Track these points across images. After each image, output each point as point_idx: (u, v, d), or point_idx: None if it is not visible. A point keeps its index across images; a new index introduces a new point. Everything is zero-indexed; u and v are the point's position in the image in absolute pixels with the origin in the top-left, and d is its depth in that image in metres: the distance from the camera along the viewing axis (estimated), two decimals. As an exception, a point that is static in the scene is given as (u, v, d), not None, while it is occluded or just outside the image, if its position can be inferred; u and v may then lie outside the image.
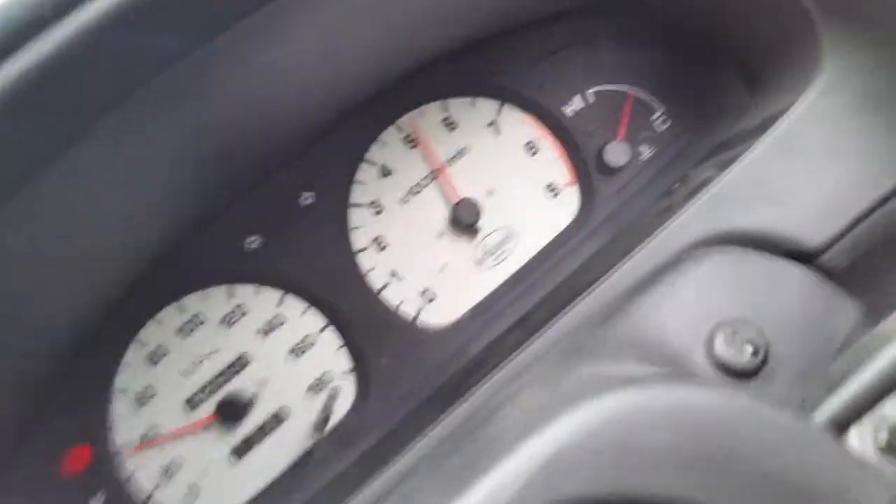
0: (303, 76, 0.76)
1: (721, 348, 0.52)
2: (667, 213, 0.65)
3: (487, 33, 0.89)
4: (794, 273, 0.57)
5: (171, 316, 0.85)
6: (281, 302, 0.85)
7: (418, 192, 0.89)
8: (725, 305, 0.55)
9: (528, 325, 0.67)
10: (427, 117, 0.90)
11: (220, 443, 0.83)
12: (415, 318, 0.86)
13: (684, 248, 0.61)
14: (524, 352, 0.59)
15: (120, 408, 0.83)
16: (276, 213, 0.87)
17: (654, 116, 0.92)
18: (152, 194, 0.75)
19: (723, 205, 0.62)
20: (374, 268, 0.87)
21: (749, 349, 0.52)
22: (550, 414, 0.38)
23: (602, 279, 0.61)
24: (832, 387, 0.39)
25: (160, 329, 0.84)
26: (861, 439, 0.43)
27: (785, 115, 0.63)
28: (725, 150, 0.73)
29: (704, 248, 0.60)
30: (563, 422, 0.37)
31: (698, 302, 0.56)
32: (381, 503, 0.51)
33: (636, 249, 0.62)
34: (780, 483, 0.35)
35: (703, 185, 0.64)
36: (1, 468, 0.80)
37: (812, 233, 0.59)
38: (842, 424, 0.38)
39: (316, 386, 0.84)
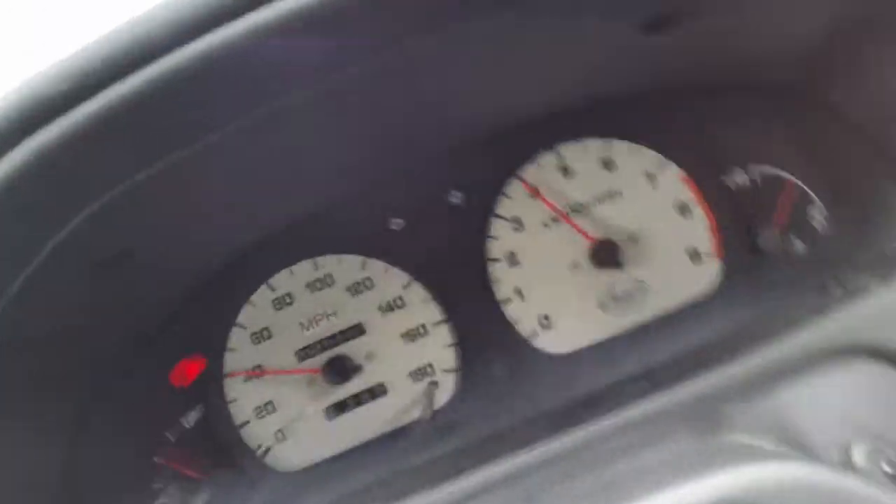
0: (479, 88, 0.78)
1: (859, 459, 0.51)
2: (821, 310, 0.64)
3: (669, 88, 0.90)
4: None
5: (305, 270, 0.89)
6: (407, 286, 0.88)
7: (562, 221, 0.90)
8: (868, 418, 0.54)
9: (655, 379, 0.67)
10: (588, 152, 0.91)
11: (318, 399, 0.86)
12: (530, 339, 0.87)
13: (838, 349, 0.60)
14: (650, 402, 0.60)
15: (237, 339, 0.87)
16: (424, 203, 0.90)
17: (816, 213, 0.90)
18: (316, 163, 0.79)
19: (882, 320, 0.60)
20: (502, 280, 0.88)
21: (888, 468, 0.50)
22: (701, 468, 0.38)
23: (740, 356, 0.61)
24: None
25: (292, 279, 0.89)
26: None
27: None
28: (886, 263, 0.71)
29: (855, 357, 0.59)
30: (727, 474, 0.37)
31: (841, 408, 0.55)
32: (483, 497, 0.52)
33: (782, 338, 0.61)
34: None
35: (863, 292, 0.63)
36: (117, 368, 0.85)
37: None
38: None
39: (418, 373, 0.87)
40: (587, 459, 0.52)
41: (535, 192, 0.90)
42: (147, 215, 0.66)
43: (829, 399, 0.55)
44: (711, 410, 0.55)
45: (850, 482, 0.38)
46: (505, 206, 0.90)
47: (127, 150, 0.54)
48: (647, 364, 0.73)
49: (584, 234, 0.88)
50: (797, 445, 0.50)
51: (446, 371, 0.87)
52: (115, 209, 0.59)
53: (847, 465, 0.51)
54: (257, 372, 0.87)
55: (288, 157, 0.72)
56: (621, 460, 0.45)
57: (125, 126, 0.50)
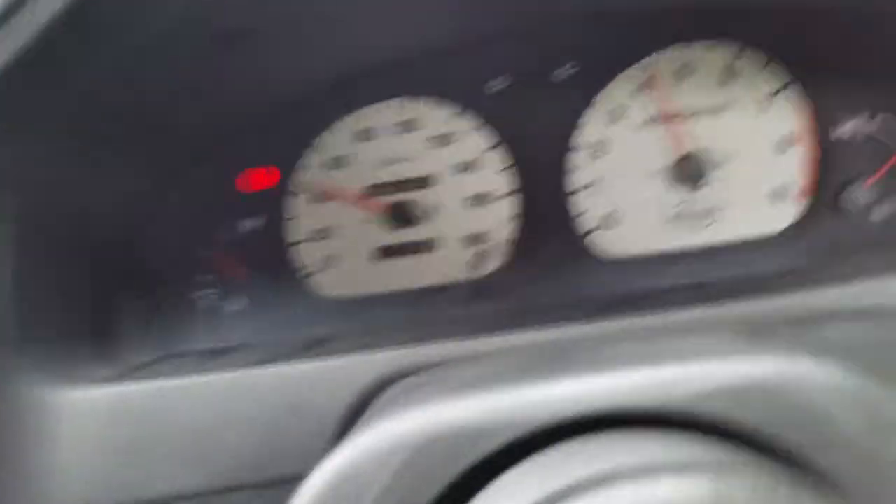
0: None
1: None
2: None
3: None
4: None
5: (392, 108, 0.89)
6: (492, 149, 0.88)
7: (658, 124, 0.87)
8: None
9: (705, 292, 0.67)
10: (715, 55, 0.86)
11: (372, 237, 0.89)
12: (589, 233, 0.87)
13: None
14: (696, 310, 0.60)
15: (310, 161, 0.89)
16: (532, 68, 0.87)
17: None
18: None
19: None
20: (579, 169, 0.87)
21: None
22: (753, 347, 0.39)
23: (804, 289, 0.60)
24: None
25: (377, 115, 0.89)
26: None
27: None
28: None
29: None
30: (779, 356, 0.38)
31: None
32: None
33: (851, 282, 0.60)
34: None
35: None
36: (195, 164, 0.88)
37: None
38: None
39: (473, 239, 0.88)
40: (622, 336, 0.53)
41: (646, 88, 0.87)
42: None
43: (884, 346, 0.55)
44: (759, 326, 0.55)
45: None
46: (609, 94, 0.87)
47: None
48: (701, 280, 0.73)
49: (678, 142, 0.86)
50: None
51: (502, 242, 0.88)
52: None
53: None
54: (321, 186, 0.88)
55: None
56: (659, 339, 0.46)
57: None
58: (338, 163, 0.89)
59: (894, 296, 0.59)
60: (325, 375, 0.60)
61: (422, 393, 0.45)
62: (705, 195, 0.87)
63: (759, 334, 0.50)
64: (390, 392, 0.56)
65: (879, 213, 0.87)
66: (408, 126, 0.89)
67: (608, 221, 0.87)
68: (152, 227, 0.89)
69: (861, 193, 0.86)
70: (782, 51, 0.85)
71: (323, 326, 0.86)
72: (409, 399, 0.45)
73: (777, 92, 0.86)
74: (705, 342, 0.44)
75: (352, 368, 0.60)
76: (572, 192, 0.87)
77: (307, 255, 0.90)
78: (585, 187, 0.87)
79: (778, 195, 0.87)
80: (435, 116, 0.88)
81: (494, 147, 0.88)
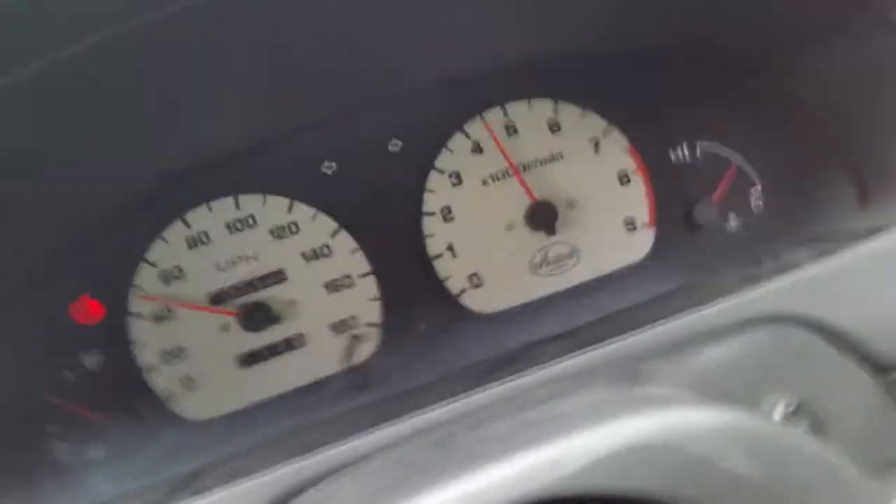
0: (430, 30, 0.75)
1: (778, 417, 0.51)
2: (753, 280, 0.64)
3: (622, 52, 0.88)
4: (863, 378, 0.56)
5: (223, 208, 0.83)
6: (335, 234, 0.84)
7: (501, 180, 0.87)
8: (790, 383, 0.54)
9: (578, 338, 0.65)
10: (535, 111, 0.89)
11: (231, 346, 0.82)
12: (458, 296, 0.84)
13: (764, 315, 0.59)
14: (571, 359, 0.58)
15: (145, 277, 0.81)
16: (361, 149, 0.85)
17: (754, 193, 0.91)
18: (255, 87, 0.74)
19: (814, 290, 0.60)
20: (434, 235, 0.85)
21: (805, 425, 0.51)
22: (626, 410, 0.36)
23: (667, 319, 0.59)
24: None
25: (209, 217, 0.83)
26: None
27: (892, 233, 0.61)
28: (824, 242, 0.72)
29: (783, 324, 0.59)
30: (643, 418, 0.35)
31: (764, 371, 0.55)
32: (396, 450, 0.49)
33: (711, 303, 0.60)
34: None
35: (797, 266, 0.63)
36: (21, 301, 0.79)
37: (891, 348, 0.57)
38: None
39: (340, 326, 0.83)
40: (500, 410, 0.50)
41: (483, 145, 0.87)
42: (68, 111, 0.60)
43: (752, 362, 0.56)
44: (631, 367, 0.53)
45: (768, 426, 0.36)
46: (445, 160, 0.87)
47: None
48: (572, 325, 0.71)
49: (529, 192, 0.86)
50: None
51: (370, 325, 0.83)
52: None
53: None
54: (163, 301, 0.81)
55: (214, 80, 0.67)
56: (535, 408, 0.43)
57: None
58: (176, 273, 0.82)
59: (751, 310, 0.59)
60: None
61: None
62: (562, 239, 0.87)
63: (631, 383, 0.48)
64: None
65: (733, 225, 0.90)
66: (245, 223, 0.83)
67: (474, 281, 0.85)
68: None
69: (709, 210, 0.88)
70: (594, 101, 0.89)
71: (196, 457, 0.77)
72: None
73: (602, 135, 0.89)
74: (582, 405, 0.41)
75: (233, 501, 0.54)
76: (432, 260, 0.85)
77: (165, 380, 0.82)
78: (444, 253, 0.85)
79: (631, 226, 0.88)
80: (273, 208, 0.84)
81: (338, 231, 0.84)
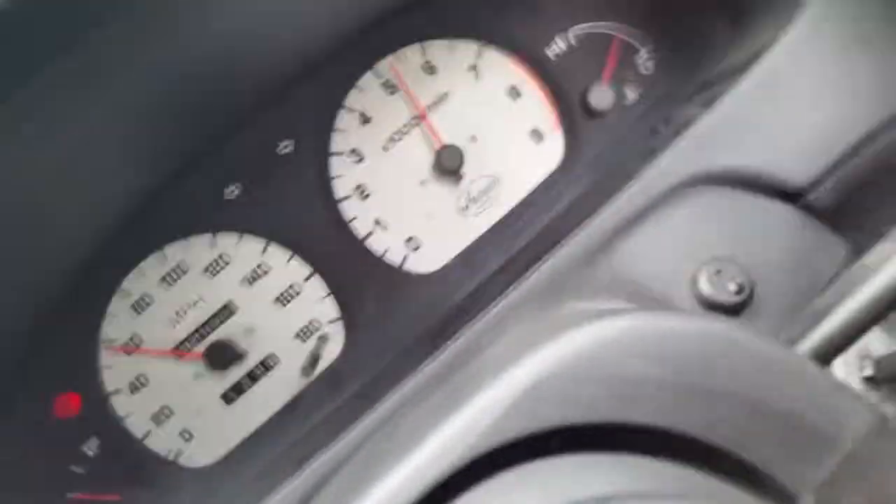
0: (273, 19, 0.74)
1: (705, 286, 0.52)
2: (651, 154, 0.65)
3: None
4: (780, 211, 0.58)
5: (153, 265, 0.84)
6: (265, 251, 0.85)
7: (400, 139, 0.88)
8: (710, 244, 0.55)
9: (513, 270, 0.67)
10: (406, 61, 0.88)
11: (211, 388, 0.84)
12: (401, 265, 0.86)
13: (669, 188, 0.60)
14: (509, 296, 0.59)
15: (107, 357, 0.83)
16: (254, 162, 0.86)
17: (640, 58, 0.91)
18: (126, 143, 0.74)
19: (707, 144, 0.61)
20: (357, 216, 0.86)
21: (733, 287, 0.52)
22: (532, 346, 0.38)
23: (585, 222, 0.61)
24: (816, 320, 0.39)
25: (143, 279, 0.84)
26: (846, 372, 0.44)
27: (768, 53, 0.62)
28: (709, 88, 0.73)
29: (688, 188, 0.60)
30: (543, 352, 0.37)
31: (682, 241, 0.56)
32: (369, 440, 0.52)
33: (620, 191, 0.61)
34: (762, 410, 0.35)
35: (688, 124, 0.64)
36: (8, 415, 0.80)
37: (797, 171, 0.59)
38: (826, 356, 0.38)
39: (303, 333, 0.85)
40: (449, 370, 0.52)
41: (366, 117, 0.87)
42: None
43: (669, 239, 0.56)
44: (557, 285, 0.55)
45: (664, 320, 0.38)
46: (339, 141, 0.87)
47: None
48: (508, 256, 0.73)
49: (431, 140, 0.87)
50: (644, 297, 0.51)
51: (331, 322, 0.85)
52: None
53: (695, 295, 0.53)
54: (128, 349, 0.83)
55: (82, 145, 0.67)
56: (475, 360, 0.45)
57: None
58: (134, 343, 0.83)
59: (656, 186, 0.60)
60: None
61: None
62: (479, 174, 0.88)
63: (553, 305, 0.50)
64: None
65: (630, 98, 0.90)
66: (178, 271, 0.84)
67: (411, 245, 0.87)
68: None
69: (604, 92, 0.89)
70: (459, 29, 0.89)
71: (210, 500, 0.80)
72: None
73: (477, 59, 0.89)
74: (493, 353, 0.44)
75: None
76: (364, 240, 0.86)
77: (163, 440, 0.84)
78: (373, 229, 0.86)
79: (538, 136, 0.89)
80: (197, 248, 0.85)
81: (266, 247, 0.85)
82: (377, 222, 0.86)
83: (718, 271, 0.53)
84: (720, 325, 0.38)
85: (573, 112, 0.90)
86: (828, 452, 0.34)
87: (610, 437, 0.35)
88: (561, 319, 0.44)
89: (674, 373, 0.36)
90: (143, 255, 0.84)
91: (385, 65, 0.88)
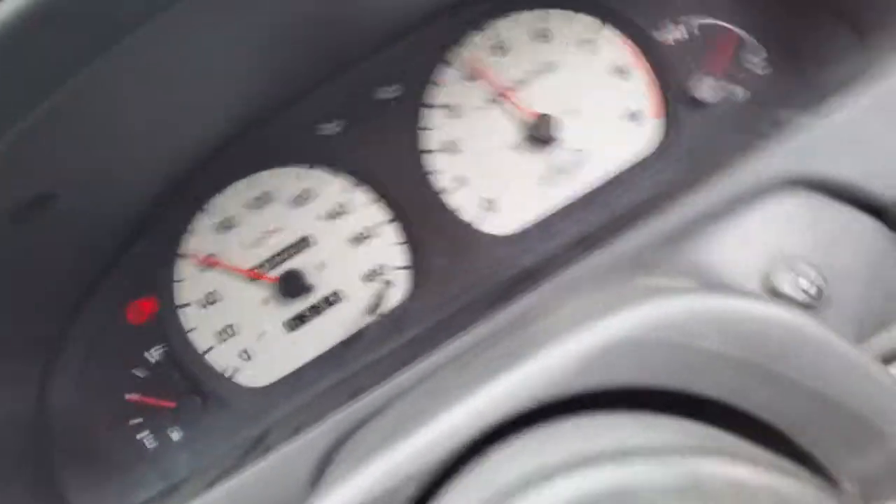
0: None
1: (777, 280, 0.52)
2: (753, 149, 0.63)
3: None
4: (866, 224, 0.56)
5: (242, 190, 0.87)
6: (350, 190, 0.87)
7: (498, 102, 0.88)
8: (789, 243, 0.55)
9: (589, 242, 0.66)
10: (522, 24, 0.88)
11: (276, 315, 0.86)
12: (476, 224, 0.86)
13: (763, 184, 0.59)
14: (580, 264, 0.59)
15: (183, 270, 0.86)
16: (356, 103, 0.87)
17: (756, 59, 0.88)
18: (241, 69, 0.76)
19: (810, 150, 0.60)
20: (442, 170, 0.87)
21: (805, 286, 0.52)
22: (612, 307, 0.38)
23: (671, 205, 0.60)
24: (886, 323, 0.38)
25: (231, 200, 0.87)
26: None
27: (888, 73, 0.60)
28: (822, 98, 0.70)
29: (781, 189, 0.59)
30: (624, 313, 0.37)
31: (763, 237, 0.56)
32: (426, 381, 0.53)
33: (711, 181, 0.60)
34: (818, 397, 0.35)
35: (795, 128, 0.62)
36: (72, 312, 0.85)
37: (892, 188, 0.57)
38: (890, 358, 0.37)
39: (371, 275, 0.86)
40: (513, 326, 0.52)
41: (472, 73, 0.87)
42: (62, 149, 0.64)
43: (751, 233, 0.56)
44: (632, 261, 0.54)
45: (741, 301, 0.38)
46: (437, 95, 0.88)
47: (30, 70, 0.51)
48: (587, 230, 0.72)
49: (523, 110, 0.86)
50: (717, 282, 0.51)
51: (398, 269, 0.86)
52: (24, 146, 0.57)
53: (767, 290, 0.52)
54: (208, 260, 0.85)
55: (201, 68, 0.70)
56: (543, 319, 0.45)
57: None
58: (210, 262, 0.87)
59: (750, 180, 0.59)
60: (276, 470, 0.59)
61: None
62: (568, 146, 0.87)
63: (630, 277, 0.49)
64: (339, 456, 0.55)
65: (740, 95, 0.88)
66: (263, 199, 0.87)
67: (488, 207, 0.87)
68: (67, 395, 0.86)
69: (714, 85, 0.87)
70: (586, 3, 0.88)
71: (261, 420, 0.83)
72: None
73: (593, 34, 0.88)
74: (570, 311, 0.44)
75: (296, 455, 0.59)
76: (443, 194, 0.86)
77: (223, 357, 0.87)
78: (454, 185, 0.87)
79: (636, 119, 0.87)
80: (284, 180, 0.87)
81: (351, 187, 0.87)
82: (461, 179, 0.87)
83: (793, 268, 0.53)
84: (792, 314, 0.37)
85: (678, 100, 0.87)
86: (876, 447, 0.33)
87: (672, 405, 0.35)
88: (640, 289, 0.44)
89: (742, 351, 0.36)
90: (236, 178, 0.87)
91: (498, 25, 0.88)
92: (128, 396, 0.86)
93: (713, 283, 0.51)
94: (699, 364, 0.37)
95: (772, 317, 0.38)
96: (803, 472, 0.32)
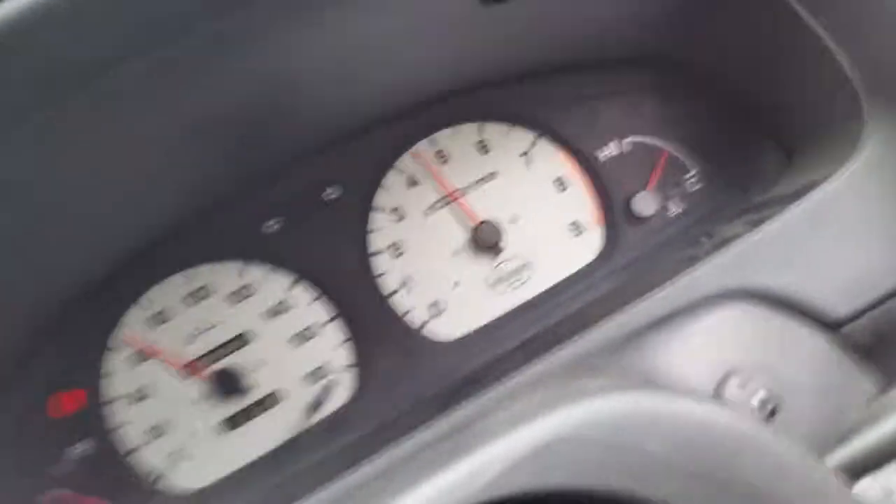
0: (348, 76, 0.77)
1: (731, 393, 0.52)
2: (691, 262, 0.66)
3: (535, 68, 0.91)
4: (814, 338, 0.58)
5: (179, 283, 0.85)
6: (291, 287, 0.86)
7: (442, 207, 0.90)
8: (740, 356, 0.56)
9: (533, 349, 0.67)
10: (462, 136, 0.91)
11: (209, 415, 0.83)
12: (421, 328, 0.86)
13: (704, 296, 0.61)
14: (525, 372, 0.59)
15: (113, 363, 0.82)
16: (299, 202, 0.87)
17: (687, 175, 0.93)
18: (181, 160, 0.76)
19: (749, 262, 0.62)
20: (387, 272, 0.87)
21: (759, 397, 0.52)
22: (547, 407, 0.38)
23: (615, 315, 0.61)
24: (844, 438, 0.39)
25: (167, 294, 0.84)
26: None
27: (822, 186, 0.64)
28: (757, 211, 0.74)
29: (724, 300, 0.61)
30: (560, 412, 0.37)
31: (713, 348, 0.57)
32: (363, 486, 0.51)
33: (654, 291, 0.62)
34: None
35: (731, 240, 0.65)
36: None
37: (837, 303, 0.59)
38: (853, 473, 0.38)
39: (313, 375, 0.84)
40: (455, 429, 0.52)
41: (418, 176, 0.90)
42: None
43: (699, 344, 0.57)
44: (576, 367, 0.55)
45: (689, 403, 0.38)
46: (383, 198, 0.89)
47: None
48: (529, 335, 0.73)
49: (470, 213, 0.88)
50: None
51: (344, 368, 0.85)
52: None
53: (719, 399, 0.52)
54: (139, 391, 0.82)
55: (140, 156, 0.69)
56: (484, 420, 0.44)
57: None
58: (141, 357, 0.83)
59: (692, 293, 0.61)
60: None
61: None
62: (512, 254, 0.89)
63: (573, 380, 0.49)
64: None
65: (673, 211, 0.92)
66: (199, 294, 0.85)
67: (434, 311, 0.87)
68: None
69: (648, 200, 0.91)
70: (519, 117, 0.92)
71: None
72: None
73: (531, 147, 0.92)
74: (508, 412, 0.43)
75: None
76: (389, 297, 0.86)
77: (150, 459, 0.82)
78: (399, 288, 0.87)
79: (577, 230, 0.90)
80: (224, 275, 0.86)
81: (293, 285, 0.86)
82: (405, 282, 0.87)
83: (746, 381, 0.53)
84: (748, 423, 0.38)
85: (616, 213, 0.91)
86: None
87: None
88: (580, 388, 0.44)
89: (690, 459, 0.36)
90: (172, 272, 0.85)
91: (442, 136, 0.91)
92: (41, 499, 0.80)
93: (668, 389, 0.51)
94: (642, 468, 0.36)
95: (723, 422, 0.38)
96: None
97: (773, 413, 0.52)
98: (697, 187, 0.93)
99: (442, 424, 0.57)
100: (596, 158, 0.92)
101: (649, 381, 0.52)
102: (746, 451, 0.36)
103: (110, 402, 0.82)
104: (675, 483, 0.35)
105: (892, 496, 0.40)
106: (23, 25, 0.45)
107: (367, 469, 0.55)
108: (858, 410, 0.50)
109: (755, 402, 0.52)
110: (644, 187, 0.92)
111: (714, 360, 0.55)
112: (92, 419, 0.82)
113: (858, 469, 0.37)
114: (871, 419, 0.39)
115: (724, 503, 0.35)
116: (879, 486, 0.37)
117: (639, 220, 0.90)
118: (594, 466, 0.35)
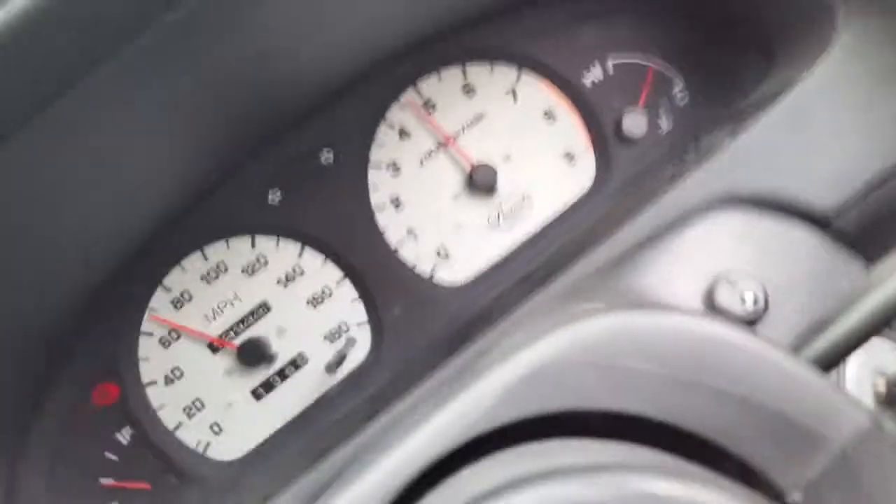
0: (322, 32, 0.78)
1: (720, 297, 0.53)
2: (677, 176, 0.67)
3: (509, 2, 0.91)
4: (801, 232, 0.59)
5: (194, 263, 0.88)
6: (300, 254, 0.88)
7: (436, 155, 0.91)
8: (728, 259, 0.57)
9: (535, 280, 0.69)
10: (446, 82, 0.92)
11: (241, 385, 0.87)
12: (430, 276, 0.88)
13: (693, 208, 0.62)
14: (528, 303, 0.61)
15: (146, 348, 0.87)
16: (296, 169, 0.89)
17: (674, 90, 0.93)
18: (173, 146, 0.78)
19: (733, 168, 0.63)
20: (390, 226, 0.89)
21: (749, 298, 0.53)
22: (533, 338, 0.40)
23: (607, 238, 0.63)
24: (820, 329, 0.41)
25: (184, 276, 0.88)
26: (860, 390, 0.45)
27: (798, 84, 0.64)
28: (739, 118, 0.74)
29: (712, 209, 0.62)
30: (542, 342, 0.39)
31: (700, 256, 0.58)
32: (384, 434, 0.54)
33: (643, 209, 0.63)
34: (755, 408, 0.36)
35: (715, 149, 0.65)
36: (34, 400, 0.84)
37: (822, 197, 0.60)
38: (826, 363, 0.39)
39: (332, 335, 0.87)
40: (462, 369, 0.54)
41: (410, 126, 0.91)
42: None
43: (687, 253, 0.58)
44: (573, 293, 0.57)
45: (668, 317, 0.40)
46: (378, 153, 0.91)
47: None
48: (534, 266, 0.75)
49: (464, 156, 0.90)
50: (657, 302, 0.53)
51: (360, 324, 0.88)
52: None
53: (708, 306, 0.54)
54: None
55: (133, 144, 0.71)
56: (483, 356, 0.47)
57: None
58: (171, 337, 0.87)
59: (679, 205, 0.62)
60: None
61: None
62: (511, 190, 0.90)
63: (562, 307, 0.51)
64: None
65: (664, 127, 0.93)
66: (217, 270, 0.88)
67: (442, 255, 0.89)
68: (39, 483, 0.84)
69: (639, 119, 0.91)
70: (501, 54, 0.92)
71: (232, 494, 0.83)
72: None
73: (515, 83, 0.92)
74: (501, 346, 0.46)
75: None
76: (395, 250, 0.89)
77: (194, 432, 0.87)
78: (405, 240, 0.89)
79: (571, 158, 0.91)
80: (237, 249, 0.89)
81: (303, 250, 0.89)
82: (409, 232, 0.89)
83: (735, 283, 0.54)
84: (720, 326, 0.40)
85: (606, 137, 0.92)
86: (818, 452, 0.35)
87: (602, 426, 0.37)
88: (564, 316, 0.46)
89: (670, 368, 0.38)
90: (185, 254, 0.88)
91: (427, 83, 0.92)
92: (102, 481, 0.85)
93: (650, 304, 0.53)
94: (626, 383, 0.38)
95: (696, 329, 0.41)
96: (739, 488, 0.34)
97: (765, 310, 0.54)
98: (686, 101, 0.93)
99: (452, 366, 0.60)
100: (582, 84, 0.93)
101: (639, 299, 0.54)
102: (722, 355, 0.38)
103: (148, 385, 0.86)
104: (657, 394, 0.37)
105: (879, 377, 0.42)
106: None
107: (386, 419, 0.58)
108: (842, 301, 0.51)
109: (746, 299, 0.53)
110: (632, 107, 0.92)
111: (703, 269, 0.56)
112: (134, 402, 0.86)
113: (832, 357, 0.39)
114: (845, 308, 0.41)
115: (705, 405, 0.37)
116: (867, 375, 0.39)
117: (631, 141, 0.91)
118: (578, 388, 0.38)
